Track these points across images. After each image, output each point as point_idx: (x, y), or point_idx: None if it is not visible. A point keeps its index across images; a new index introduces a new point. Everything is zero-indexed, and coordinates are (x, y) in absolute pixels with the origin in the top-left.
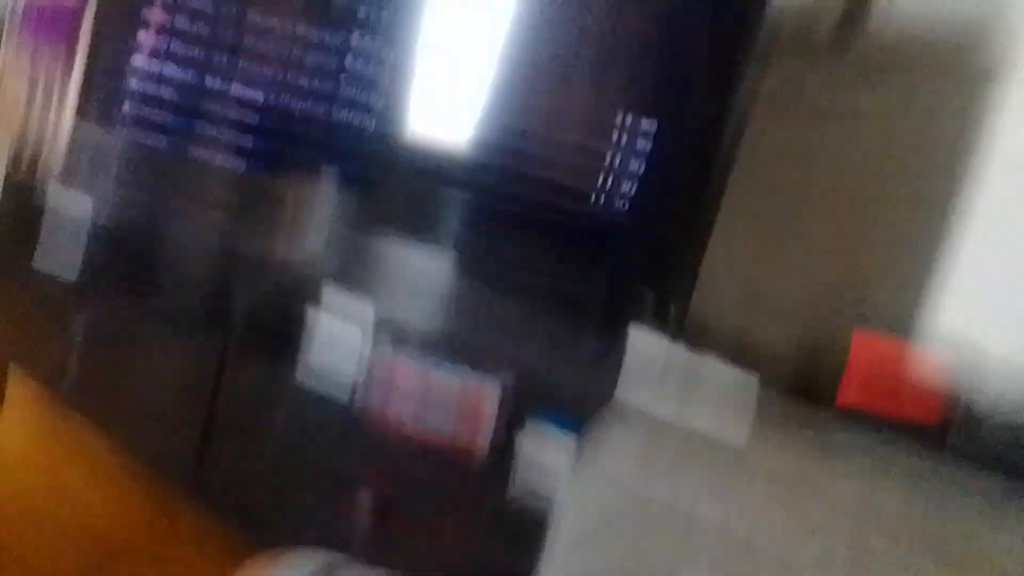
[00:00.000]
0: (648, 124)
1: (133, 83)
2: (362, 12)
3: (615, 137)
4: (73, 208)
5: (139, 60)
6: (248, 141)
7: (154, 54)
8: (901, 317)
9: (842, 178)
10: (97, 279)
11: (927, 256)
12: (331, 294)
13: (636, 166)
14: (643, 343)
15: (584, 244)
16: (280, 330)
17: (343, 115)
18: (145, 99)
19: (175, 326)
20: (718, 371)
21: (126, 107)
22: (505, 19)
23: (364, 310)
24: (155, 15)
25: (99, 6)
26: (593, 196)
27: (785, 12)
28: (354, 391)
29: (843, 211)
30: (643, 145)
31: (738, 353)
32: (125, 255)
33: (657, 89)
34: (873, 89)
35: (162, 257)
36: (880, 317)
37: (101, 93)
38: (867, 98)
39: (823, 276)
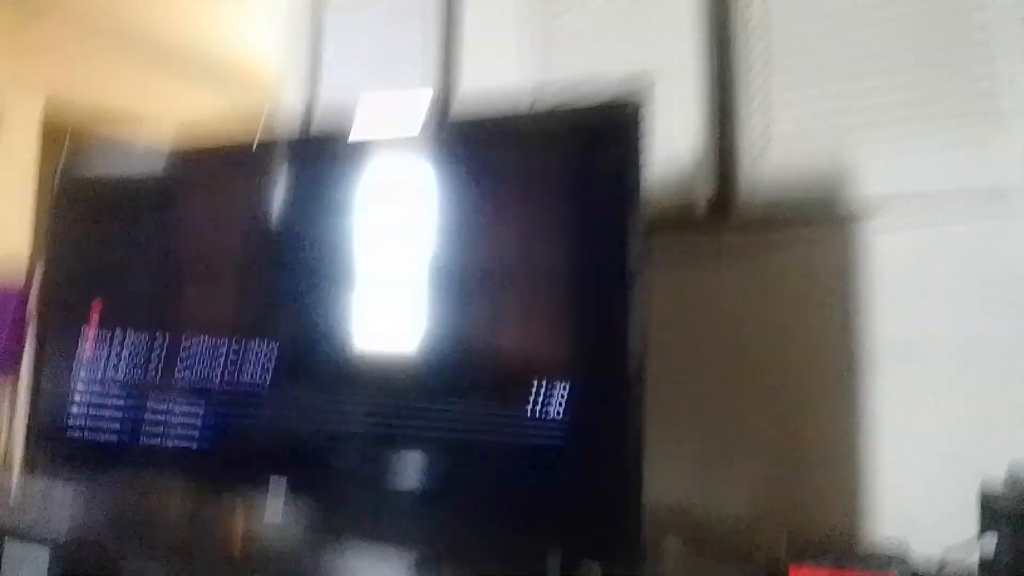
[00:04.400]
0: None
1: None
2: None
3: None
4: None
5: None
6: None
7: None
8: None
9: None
10: None
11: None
12: None
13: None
14: None
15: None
16: None
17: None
18: (89, 431)
19: None
20: None
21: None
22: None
23: None
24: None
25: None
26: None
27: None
28: None
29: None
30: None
31: None
32: None
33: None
34: (756, 249)
35: None
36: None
37: (45, 436)
38: (752, 259)
39: (758, 492)
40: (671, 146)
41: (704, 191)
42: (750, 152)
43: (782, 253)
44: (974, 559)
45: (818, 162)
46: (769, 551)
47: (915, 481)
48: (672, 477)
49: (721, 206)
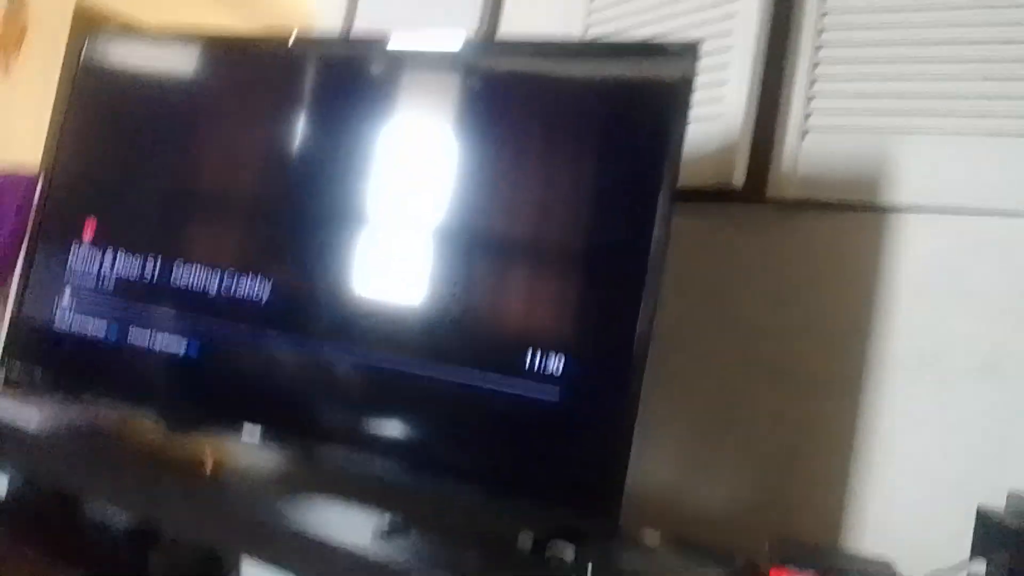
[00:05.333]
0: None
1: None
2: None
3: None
4: None
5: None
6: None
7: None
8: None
9: (761, 358)
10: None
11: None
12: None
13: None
14: None
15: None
16: None
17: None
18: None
19: None
20: None
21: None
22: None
23: None
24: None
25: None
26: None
27: (697, 162)
28: None
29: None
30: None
31: None
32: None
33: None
34: (786, 230)
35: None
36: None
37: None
38: (780, 239)
39: (745, 490)
40: (716, 109)
41: (743, 161)
42: (795, 129)
43: (811, 239)
44: None
45: (860, 151)
46: (751, 553)
47: (908, 499)
48: (658, 464)
49: (758, 179)
